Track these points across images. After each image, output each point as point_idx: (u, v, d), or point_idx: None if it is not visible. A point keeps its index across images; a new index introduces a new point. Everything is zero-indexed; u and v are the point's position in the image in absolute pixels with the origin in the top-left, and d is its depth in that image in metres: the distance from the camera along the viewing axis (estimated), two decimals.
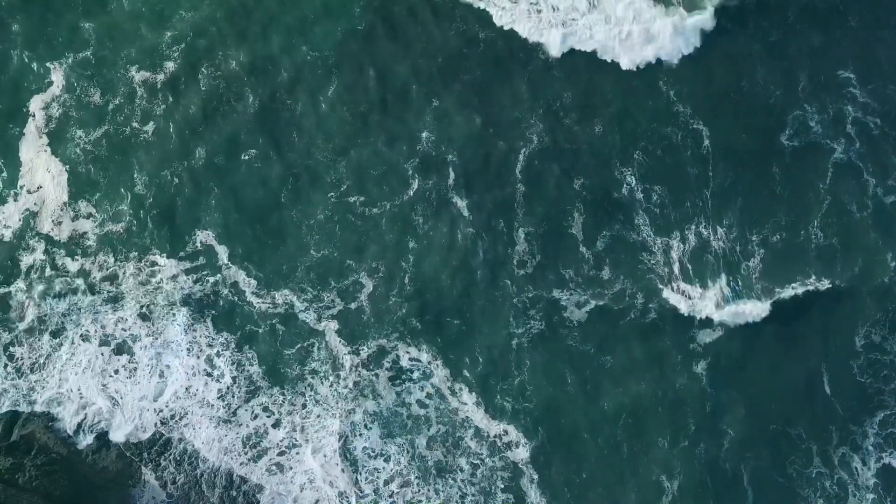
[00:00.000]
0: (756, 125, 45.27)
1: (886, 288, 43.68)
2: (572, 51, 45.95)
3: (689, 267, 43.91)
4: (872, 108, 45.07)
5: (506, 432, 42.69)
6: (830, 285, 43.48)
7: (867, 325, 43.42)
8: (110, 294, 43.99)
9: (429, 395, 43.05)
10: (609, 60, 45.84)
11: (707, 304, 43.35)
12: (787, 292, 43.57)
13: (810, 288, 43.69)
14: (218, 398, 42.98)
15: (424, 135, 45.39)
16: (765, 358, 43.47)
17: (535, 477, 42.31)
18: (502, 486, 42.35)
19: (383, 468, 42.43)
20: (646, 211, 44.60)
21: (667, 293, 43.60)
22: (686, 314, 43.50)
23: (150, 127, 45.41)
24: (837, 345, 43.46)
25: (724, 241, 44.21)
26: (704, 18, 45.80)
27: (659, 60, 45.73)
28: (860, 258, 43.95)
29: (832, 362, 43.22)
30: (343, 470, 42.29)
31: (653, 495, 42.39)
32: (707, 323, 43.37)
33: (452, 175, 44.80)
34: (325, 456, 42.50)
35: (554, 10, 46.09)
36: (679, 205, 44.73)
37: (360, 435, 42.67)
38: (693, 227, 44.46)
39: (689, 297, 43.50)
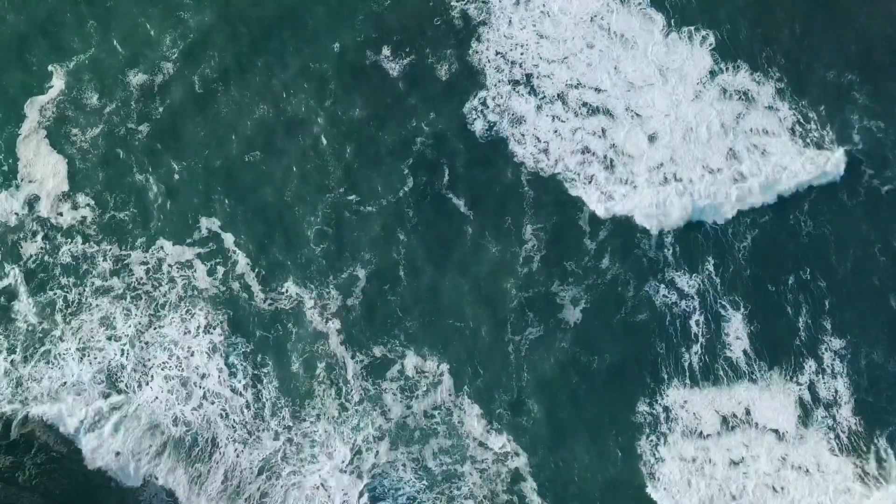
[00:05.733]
0: None
1: None
2: None
3: (680, 255, 44.45)
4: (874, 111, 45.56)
5: (509, 440, 42.83)
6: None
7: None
8: (117, 289, 44.23)
9: (434, 406, 43.19)
10: None
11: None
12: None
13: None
14: (225, 409, 43.26)
15: (426, 129, 45.92)
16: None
17: (535, 486, 42.40)
18: (504, 488, 42.43)
19: (391, 476, 42.53)
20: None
21: (658, 284, 44.13)
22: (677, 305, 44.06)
23: (148, 126, 45.84)
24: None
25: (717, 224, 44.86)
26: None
27: None
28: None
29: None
30: (351, 480, 42.37)
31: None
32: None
33: (448, 172, 45.21)
34: (333, 466, 42.57)
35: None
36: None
37: (369, 448, 42.76)
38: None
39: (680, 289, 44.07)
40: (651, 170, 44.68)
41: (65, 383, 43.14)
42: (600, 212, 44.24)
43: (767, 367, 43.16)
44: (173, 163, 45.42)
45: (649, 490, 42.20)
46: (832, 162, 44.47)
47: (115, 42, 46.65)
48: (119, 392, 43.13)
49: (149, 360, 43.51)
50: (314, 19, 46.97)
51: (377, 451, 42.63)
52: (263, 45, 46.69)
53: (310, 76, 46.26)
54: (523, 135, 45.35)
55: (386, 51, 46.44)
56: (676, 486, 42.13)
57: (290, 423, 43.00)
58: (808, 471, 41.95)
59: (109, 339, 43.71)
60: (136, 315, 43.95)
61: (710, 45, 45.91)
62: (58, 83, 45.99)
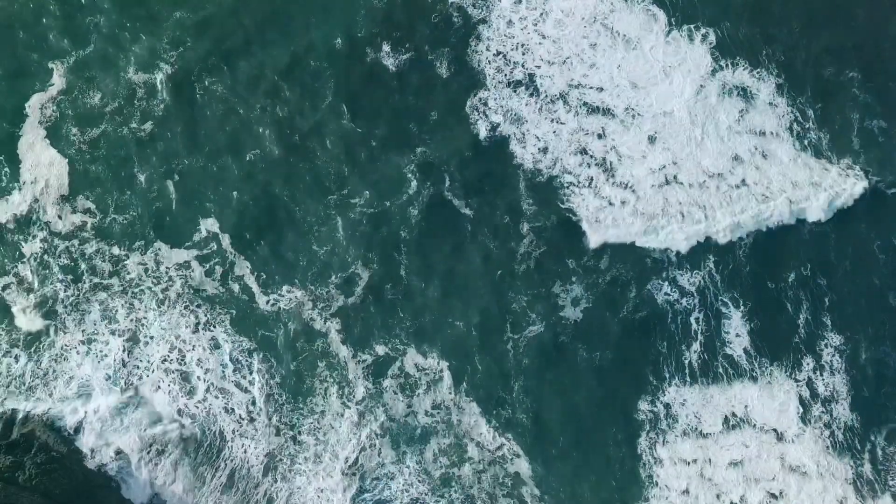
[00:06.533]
0: None
1: None
2: None
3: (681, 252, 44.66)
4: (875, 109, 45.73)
5: (508, 440, 42.95)
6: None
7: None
8: (117, 287, 44.08)
9: (434, 404, 43.20)
10: None
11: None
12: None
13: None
14: (227, 407, 43.29)
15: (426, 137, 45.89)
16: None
17: (535, 491, 42.55)
18: (504, 493, 42.49)
19: (392, 476, 42.58)
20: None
21: (661, 283, 44.22)
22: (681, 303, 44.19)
23: (148, 126, 45.62)
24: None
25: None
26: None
27: None
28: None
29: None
30: (352, 479, 42.40)
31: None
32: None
33: (448, 171, 45.21)
34: (336, 466, 42.57)
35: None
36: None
37: (372, 445, 42.82)
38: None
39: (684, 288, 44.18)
40: (652, 172, 44.70)
41: (70, 378, 43.03)
42: (594, 241, 44.25)
43: (768, 364, 43.39)
44: (173, 163, 45.24)
45: (649, 495, 42.30)
46: (851, 186, 44.63)
47: (114, 41, 46.45)
48: (122, 388, 42.98)
49: (151, 354, 43.40)
50: (316, 16, 46.83)
51: (380, 450, 42.60)
52: (264, 42, 46.54)
53: (311, 74, 46.13)
54: (524, 135, 45.36)
55: (386, 47, 46.31)
56: (676, 493, 42.21)
57: (293, 421, 42.95)
58: (806, 473, 42.12)
59: (113, 333, 43.61)
60: (137, 310, 43.84)
61: (711, 42, 46.04)
62: (58, 81, 45.74)
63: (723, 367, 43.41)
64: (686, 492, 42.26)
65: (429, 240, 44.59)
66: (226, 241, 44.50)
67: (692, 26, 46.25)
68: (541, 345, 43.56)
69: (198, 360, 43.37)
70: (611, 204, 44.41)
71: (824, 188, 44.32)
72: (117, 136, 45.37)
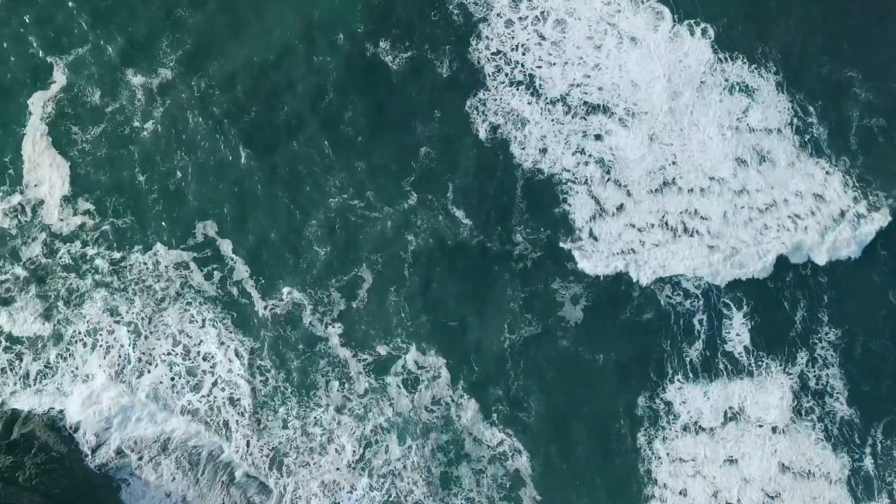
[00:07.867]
0: None
1: None
2: None
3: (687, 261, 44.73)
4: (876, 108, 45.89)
5: (507, 437, 43.04)
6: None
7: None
8: (118, 286, 43.94)
9: (433, 400, 43.25)
10: None
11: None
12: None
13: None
14: (230, 401, 43.20)
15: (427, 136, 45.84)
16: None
17: (534, 493, 42.65)
18: (502, 495, 42.60)
19: (398, 473, 42.62)
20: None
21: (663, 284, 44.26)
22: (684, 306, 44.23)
23: (150, 125, 45.37)
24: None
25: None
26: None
27: None
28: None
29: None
30: (359, 473, 42.45)
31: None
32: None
33: (449, 171, 45.18)
34: (340, 460, 42.62)
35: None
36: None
37: (377, 441, 42.85)
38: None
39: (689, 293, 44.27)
40: (650, 173, 44.64)
41: (72, 376, 42.85)
42: (589, 269, 44.20)
43: (768, 362, 43.58)
44: (173, 163, 45.01)
45: (648, 492, 42.47)
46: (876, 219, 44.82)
47: (114, 40, 46.12)
48: (124, 385, 42.88)
49: (153, 349, 43.30)
50: (315, 13, 46.61)
51: (387, 446, 42.60)
52: (263, 41, 46.31)
53: (310, 72, 45.99)
54: (524, 136, 45.31)
55: (385, 44, 46.18)
56: (674, 491, 42.33)
57: (299, 414, 42.90)
58: (803, 470, 42.28)
59: (115, 329, 43.44)
60: (140, 306, 43.72)
61: (710, 37, 46.01)
62: (59, 78, 45.46)
63: (723, 364, 43.57)
64: (684, 489, 42.37)
65: (428, 239, 44.54)
66: (226, 242, 44.38)
67: (692, 22, 46.28)
68: (541, 343, 43.65)
69: (202, 355, 43.28)
70: (605, 211, 44.23)
71: (828, 201, 44.35)
72: (118, 136, 45.14)
